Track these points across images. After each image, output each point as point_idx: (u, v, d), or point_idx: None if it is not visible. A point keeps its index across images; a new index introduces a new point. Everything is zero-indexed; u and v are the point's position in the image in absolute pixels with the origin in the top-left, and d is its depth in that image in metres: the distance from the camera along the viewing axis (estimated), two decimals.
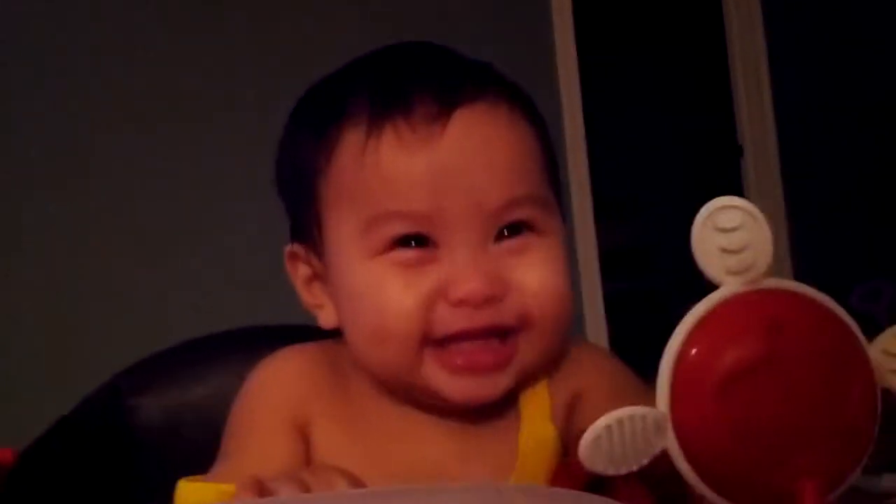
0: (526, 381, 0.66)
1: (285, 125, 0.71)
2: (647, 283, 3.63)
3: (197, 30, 2.51)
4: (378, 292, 0.62)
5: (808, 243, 3.16)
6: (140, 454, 0.83)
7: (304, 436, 0.66)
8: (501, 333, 0.62)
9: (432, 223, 0.61)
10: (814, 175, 3.44)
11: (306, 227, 0.68)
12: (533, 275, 0.63)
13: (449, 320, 0.61)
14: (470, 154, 0.62)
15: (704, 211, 0.47)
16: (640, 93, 3.88)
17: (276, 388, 0.68)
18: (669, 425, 0.45)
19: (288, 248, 0.70)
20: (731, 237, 0.46)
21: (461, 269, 0.61)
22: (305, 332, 0.78)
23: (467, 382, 0.62)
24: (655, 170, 3.84)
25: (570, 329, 0.66)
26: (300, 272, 0.70)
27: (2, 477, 0.82)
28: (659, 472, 0.58)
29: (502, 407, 0.66)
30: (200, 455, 0.68)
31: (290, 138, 0.70)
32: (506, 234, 0.63)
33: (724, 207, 0.47)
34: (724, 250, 0.46)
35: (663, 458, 0.47)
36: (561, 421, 0.67)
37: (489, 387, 0.63)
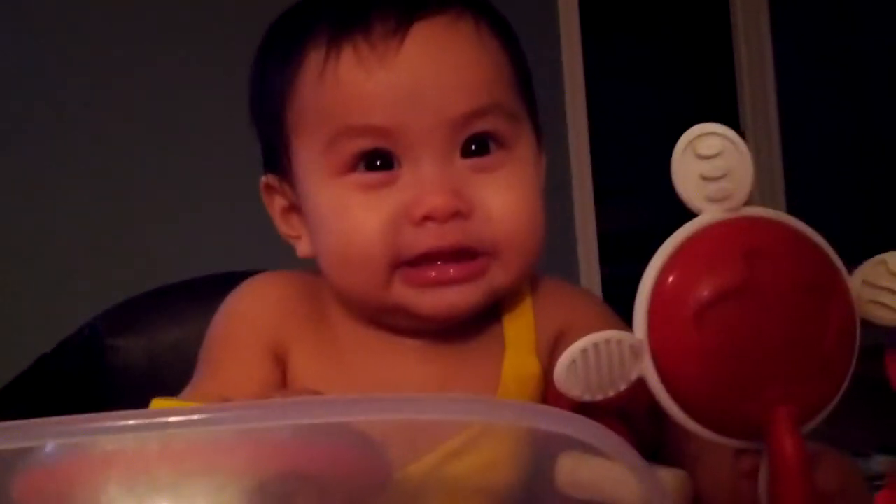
0: (506, 304, 0.66)
1: (254, 57, 0.70)
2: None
3: None
4: (342, 216, 0.62)
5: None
6: (118, 394, 0.83)
7: (280, 361, 0.65)
8: (471, 255, 0.62)
9: (394, 138, 0.61)
10: (815, 163, 3.43)
11: (277, 156, 0.67)
12: (500, 198, 0.62)
13: (416, 240, 0.60)
14: (429, 67, 0.61)
15: (685, 137, 0.46)
16: (642, 77, 3.86)
17: (254, 311, 0.67)
18: (646, 351, 0.44)
19: (263, 179, 0.69)
20: (711, 164, 0.45)
21: (425, 185, 0.60)
22: None
23: (437, 295, 0.61)
24: (656, 154, 3.82)
25: (542, 249, 0.65)
26: (276, 203, 0.69)
27: None
28: (637, 412, 0.58)
29: (486, 335, 0.66)
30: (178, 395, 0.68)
31: (258, 69, 0.69)
32: (473, 148, 0.62)
33: (704, 134, 0.46)
34: (704, 177, 0.45)
35: (640, 394, 0.46)
36: (545, 357, 0.66)
37: (458, 298, 0.62)
